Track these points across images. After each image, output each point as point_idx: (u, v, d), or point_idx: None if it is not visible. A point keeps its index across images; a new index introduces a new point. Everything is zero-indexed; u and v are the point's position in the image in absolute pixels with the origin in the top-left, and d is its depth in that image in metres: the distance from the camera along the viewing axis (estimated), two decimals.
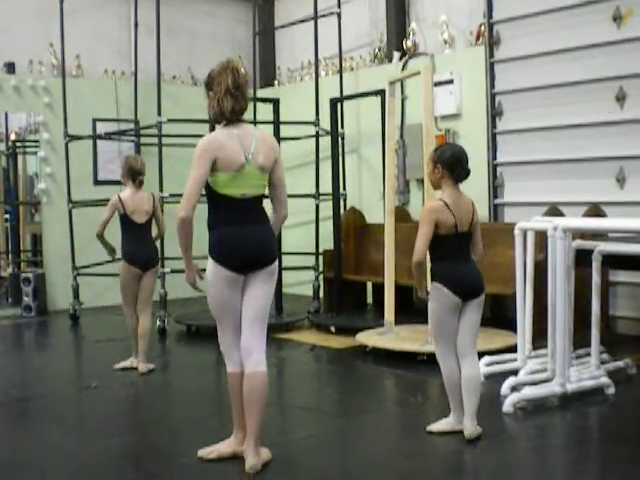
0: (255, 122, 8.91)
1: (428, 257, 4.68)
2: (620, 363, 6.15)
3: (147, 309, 6.74)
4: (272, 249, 4.26)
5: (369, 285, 9.68)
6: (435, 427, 4.77)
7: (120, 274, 6.69)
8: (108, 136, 10.20)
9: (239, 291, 4.19)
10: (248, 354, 4.21)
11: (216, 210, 4.16)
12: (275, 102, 8.82)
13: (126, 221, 6.61)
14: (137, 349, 6.70)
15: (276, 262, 4.27)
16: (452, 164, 4.60)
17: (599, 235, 6.28)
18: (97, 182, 10.43)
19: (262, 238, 4.20)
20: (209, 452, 4.36)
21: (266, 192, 4.31)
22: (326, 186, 9.30)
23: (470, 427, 4.61)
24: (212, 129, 8.25)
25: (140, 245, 6.62)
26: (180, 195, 7.38)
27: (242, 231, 4.12)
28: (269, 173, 4.24)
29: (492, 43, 8.60)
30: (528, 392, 5.32)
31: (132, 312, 6.72)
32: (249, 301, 4.22)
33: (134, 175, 6.64)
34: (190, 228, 4.07)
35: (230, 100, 4.12)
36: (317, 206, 9.65)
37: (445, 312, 4.62)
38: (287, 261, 9.45)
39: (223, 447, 4.37)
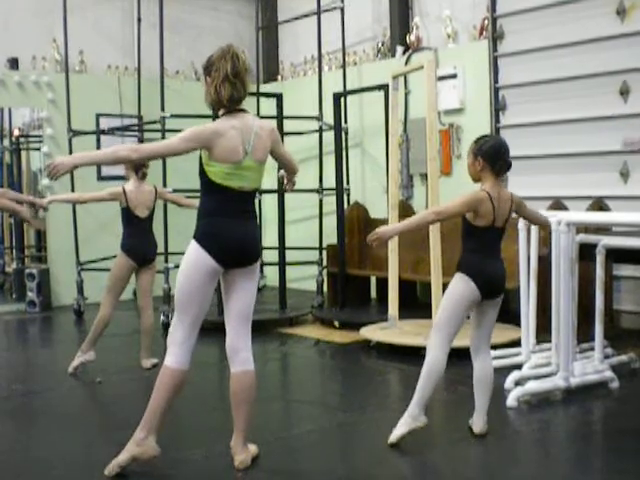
0: (258, 117, 8.91)
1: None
2: (624, 357, 6.15)
3: (148, 305, 6.72)
4: (260, 247, 4.25)
5: (373, 280, 9.67)
6: (395, 436, 4.50)
7: (115, 262, 6.62)
8: (112, 131, 10.20)
9: (214, 285, 4.08)
10: (235, 353, 4.17)
11: (211, 200, 4.04)
12: (278, 97, 8.81)
13: (128, 215, 6.57)
14: (90, 341, 6.57)
15: (259, 260, 4.24)
16: (493, 156, 4.48)
17: (603, 229, 6.28)
18: (101, 178, 10.42)
19: (254, 234, 4.18)
20: (111, 468, 4.09)
21: (261, 187, 4.31)
22: (329, 181, 9.31)
23: (480, 423, 4.61)
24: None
25: (140, 239, 6.58)
26: (183, 190, 7.39)
27: (237, 224, 4.04)
28: (273, 152, 4.24)
29: (495, 37, 8.59)
30: (532, 386, 5.32)
31: (110, 303, 6.56)
32: (235, 299, 4.16)
33: (137, 167, 6.60)
34: (119, 163, 4.15)
35: (228, 87, 3.97)
36: (320, 201, 9.64)
37: (463, 304, 4.47)
38: (291, 256, 9.45)
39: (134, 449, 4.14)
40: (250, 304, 4.19)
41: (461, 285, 4.48)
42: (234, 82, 3.99)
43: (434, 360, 4.47)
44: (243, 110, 4.12)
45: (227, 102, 4.03)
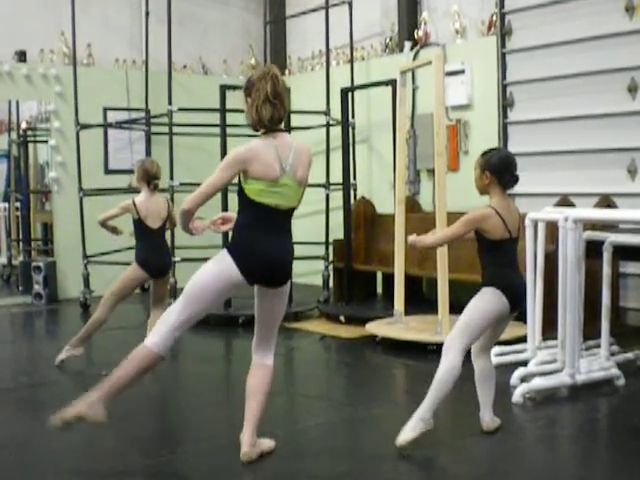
0: None
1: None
2: (630, 355, 6.14)
3: (160, 312, 6.73)
4: (291, 268, 4.26)
5: (379, 275, 9.68)
6: (405, 440, 4.36)
7: (127, 272, 6.55)
8: (119, 125, 10.23)
9: (229, 295, 4.08)
10: (255, 350, 4.30)
11: (247, 216, 4.08)
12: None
13: (140, 226, 6.53)
14: (81, 338, 6.52)
15: (289, 282, 4.26)
16: (500, 170, 4.46)
17: (610, 226, 6.26)
18: (108, 171, 10.45)
19: (286, 253, 4.20)
20: (57, 420, 4.04)
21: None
22: (336, 176, 9.30)
23: (488, 419, 4.61)
24: (223, 121, 8.27)
25: (155, 252, 6.52)
26: (190, 184, 7.40)
27: (269, 240, 4.07)
28: None
29: (504, 33, 8.57)
30: (537, 383, 5.32)
31: (110, 307, 6.47)
32: (263, 314, 4.24)
33: (149, 179, 6.54)
34: (190, 218, 4.06)
35: (269, 108, 4.02)
36: (327, 196, 9.63)
37: (491, 316, 4.42)
38: (297, 250, 9.29)
39: None
40: (277, 319, 4.27)
41: (492, 298, 4.40)
42: (275, 102, 4.03)
43: (451, 367, 4.36)
44: (282, 130, 4.16)
45: (268, 122, 4.05)
